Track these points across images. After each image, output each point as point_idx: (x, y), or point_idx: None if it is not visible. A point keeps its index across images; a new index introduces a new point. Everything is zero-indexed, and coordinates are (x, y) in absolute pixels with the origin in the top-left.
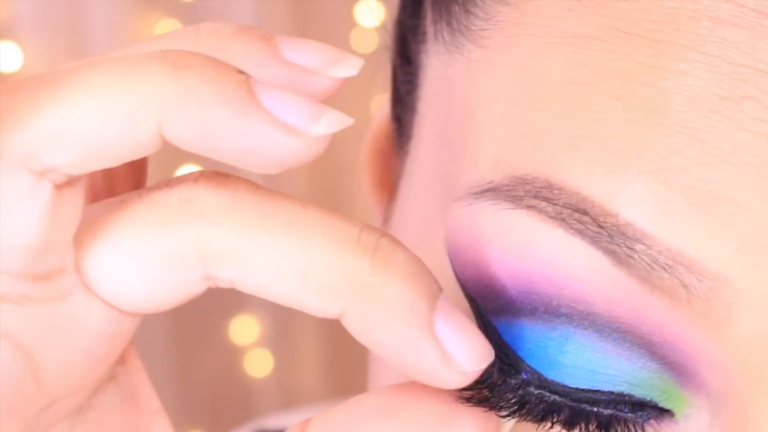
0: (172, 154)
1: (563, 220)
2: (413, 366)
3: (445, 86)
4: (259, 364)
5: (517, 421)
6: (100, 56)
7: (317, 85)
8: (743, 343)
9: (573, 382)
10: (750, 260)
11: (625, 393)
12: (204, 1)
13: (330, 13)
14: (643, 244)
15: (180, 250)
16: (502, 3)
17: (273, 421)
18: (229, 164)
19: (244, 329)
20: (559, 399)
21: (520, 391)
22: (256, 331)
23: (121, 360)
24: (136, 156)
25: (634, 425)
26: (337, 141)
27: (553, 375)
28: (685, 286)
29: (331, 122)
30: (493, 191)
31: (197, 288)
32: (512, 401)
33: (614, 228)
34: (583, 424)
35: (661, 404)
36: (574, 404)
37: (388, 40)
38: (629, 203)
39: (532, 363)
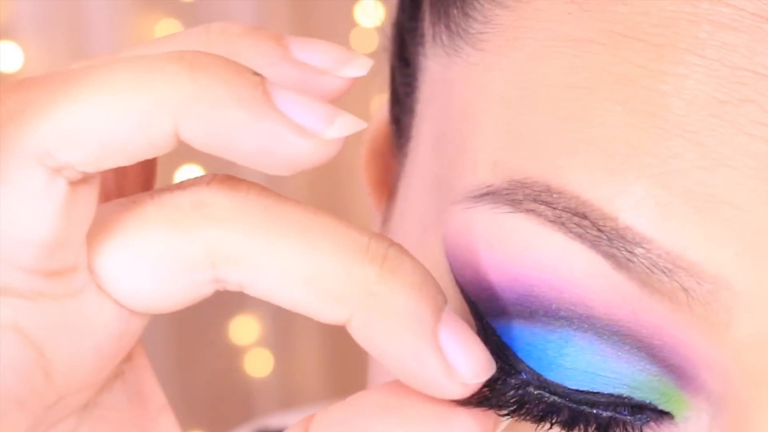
0: (172, 153)
1: (562, 224)
2: (416, 375)
3: (444, 89)
4: (259, 364)
5: (516, 421)
6: (116, 56)
7: (327, 84)
8: (743, 346)
9: (573, 383)
10: (750, 263)
11: (624, 395)
12: (204, 1)
13: (330, 13)
14: (643, 247)
15: (190, 253)
16: (500, 6)
17: (273, 420)
18: (228, 165)
19: (244, 329)
20: (559, 400)
21: (520, 391)
22: (256, 331)
23: (128, 357)
24: (150, 155)
25: (633, 427)
26: None
27: (552, 376)
28: (685, 290)
29: (345, 125)
30: (492, 195)
31: (206, 290)
32: (512, 401)
33: (613, 232)
34: (582, 426)
35: (660, 407)
36: (574, 405)
37: (387, 42)
38: (629, 207)
39: (532, 364)
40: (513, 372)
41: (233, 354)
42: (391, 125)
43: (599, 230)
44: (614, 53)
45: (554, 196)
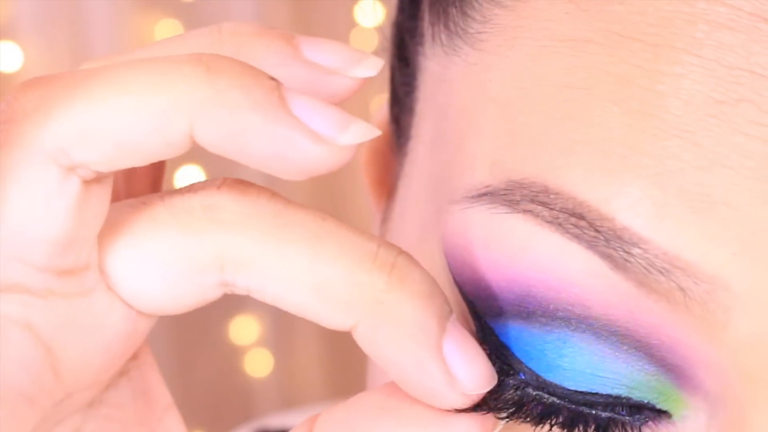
0: None
1: (560, 224)
2: (417, 384)
3: (443, 88)
4: (259, 364)
5: (516, 423)
6: (132, 56)
7: (337, 84)
8: (740, 345)
9: (571, 384)
10: (747, 263)
11: (623, 396)
12: (204, 1)
13: (330, 13)
14: (640, 247)
15: (199, 256)
16: (498, 6)
17: (273, 420)
18: (228, 166)
19: (244, 329)
20: (558, 401)
21: (519, 392)
22: (256, 331)
23: (134, 356)
24: (165, 156)
25: (632, 428)
26: None
27: (551, 377)
28: (682, 290)
29: (359, 132)
30: (490, 195)
31: (214, 293)
32: (510, 402)
33: (611, 232)
34: (581, 427)
35: (658, 406)
36: (573, 406)
37: (387, 42)
38: (626, 207)
39: (531, 365)
40: (512, 373)
41: (233, 354)
42: (391, 124)
43: (596, 231)
44: (611, 53)
45: (551, 196)
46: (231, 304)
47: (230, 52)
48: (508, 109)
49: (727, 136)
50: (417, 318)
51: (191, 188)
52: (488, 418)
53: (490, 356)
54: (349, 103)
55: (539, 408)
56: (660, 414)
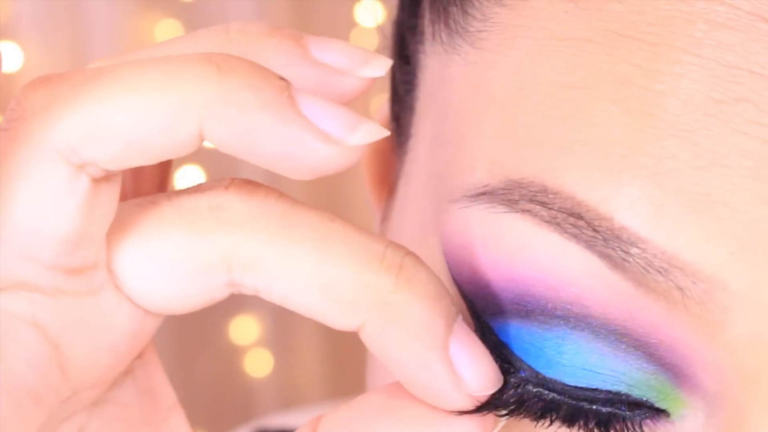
0: None
1: (558, 224)
2: (424, 385)
3: (443, 87)
4: (259, 364)
5: (516, 419)
6: (141, 55)
7: (346, 84)
8: (738, 345)
9: (571, 380)
10: (745, 263)
11: (622, 392)
12: (204, 1)
13: (330, 13)
14: (638, 247)
15: (206, 256)
16: (498, 4)
17: (273, 420)
18: (228, 166)
19: (244, 329)
20: (558, 397)
21: (519, 390)
22: (256, 331)
23: (139, 355)
24: (174, 155)
25: (632, 423)
26: None
27: (551, 374)
28: (680, 289)
29: (368, 132)
30: (488, 195)
31: (221, 293)
32: (511, 399)
33: (609, 232)
34: (582, 422)
35: (657, 404)
36: (573, 402)
37: (387, 42)
38: (624, 207)
39: (530, 362)
40: (512, 370)
41: (233, 354)
42: (392, 123)
43: (595, 230)
44: (610, 52)
45: (550, 196)
46: (231, 304)
47: (238, 51)
48: (508, 109)
49: (725, 136)
50: (424, 319)
51: (199, 188)
52: (488, 419)
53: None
54: (350, 103)
55: (540, 404)
56: (658, 413)
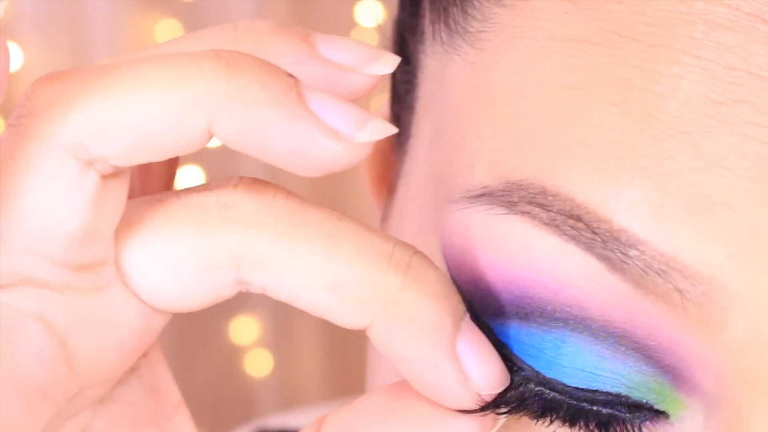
0: None
1: (557, 226)
2: (431, 383)
3: (443, 87)
4: (259, 364)
5: (517, 418)
6: (150, 52)
7: (354, 82)
8: (737, 347)
9: (572, 381)
10: (744, 265)
11: (622, 394)
12: (204, 1)
13: (330, 13)
14: (637, 249)
15: (215, 255)
16: (498, 5)
17: (273, 420)
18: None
19: (244, 329)
20: (559, 397)
21: (521, 388)
22: (256, 331)
23: (144, 353)
24: (183, 151)
25: (632, 425)
26: None
27: (551, 374)
28: (680, 291)
29: (376, 130)
30: (488, 196)
31: (228, 292)
32: (512, 398)
33: (608, 234)
34: (582, 423)
35: (656, 406)
36: (573, 402)
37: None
38: (623, 209)
39: (530, 363)
40: (515, 369)
41: (233, 354)
42: (392, 122)
43: (594, 232)
44: (610, 53)
45: (549, 198)
46: (231, 304)
47: (246, 49)
48: (507, 109)
49: (724, 137)
50: (432, 317)
51: (207, 186)
52: (488, 419)
53: None
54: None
55: (540, 403)
56: (658, 414)
